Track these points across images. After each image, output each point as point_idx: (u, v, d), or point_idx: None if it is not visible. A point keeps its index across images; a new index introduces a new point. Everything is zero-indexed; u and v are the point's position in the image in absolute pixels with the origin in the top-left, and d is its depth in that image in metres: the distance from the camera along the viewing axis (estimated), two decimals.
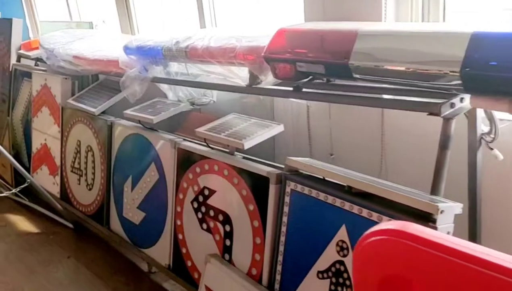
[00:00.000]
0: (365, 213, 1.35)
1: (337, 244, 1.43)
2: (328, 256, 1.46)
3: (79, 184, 2.81)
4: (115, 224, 2.54)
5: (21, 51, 3.67)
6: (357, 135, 1.91)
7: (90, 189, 2.71)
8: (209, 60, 1.97)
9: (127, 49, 2.47)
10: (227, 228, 1.83)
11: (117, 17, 3.53)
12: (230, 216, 1.81)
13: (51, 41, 3.18)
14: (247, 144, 1.75)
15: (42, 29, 4.23)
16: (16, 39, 3.74)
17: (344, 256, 1.42)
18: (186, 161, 2.03)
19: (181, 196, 2.06)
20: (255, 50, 1.78)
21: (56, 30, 3.65)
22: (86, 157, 2.72)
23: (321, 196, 1.49)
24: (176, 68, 2.44)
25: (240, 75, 1.96)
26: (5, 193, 3.27)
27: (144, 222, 2.31)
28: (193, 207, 1.99)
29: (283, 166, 1.72)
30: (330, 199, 1.47)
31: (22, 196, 3.21)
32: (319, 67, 1.54)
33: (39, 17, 4.44)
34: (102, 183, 2.60)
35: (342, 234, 1.42)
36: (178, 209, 2.08)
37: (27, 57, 3.52)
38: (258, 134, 1.80)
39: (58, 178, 3.04)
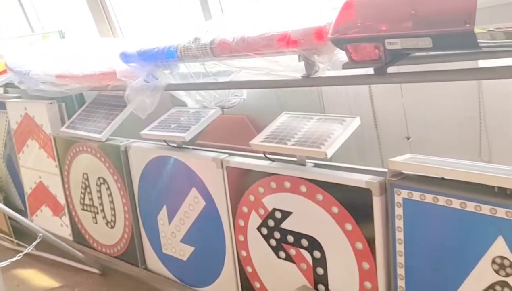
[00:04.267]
0: None
1: (494, 262, 1.13)
2: (481, 278, 1.16)
3: (96, 222, 2.40)
4: (154, 263, 2.17)
5: None
6: (443, 113, 1.60)
7: (112, 227, 2.31)
8: (247, 53, 1.60)
9: (125, 56, 2.05)
10: (316, 254, 1.50)
11: (90, 21, 3.04)
12: (319, 240, 1.48)
13: (21, 62, 2.68)
14: (330, 151, 1.41)
15: (1, 49, 3.66)
16: None
17: (508, 275, 1.12)
18: (241, 181, 1.67)
19: (241, 223, 1.71)
20: (314, 32, 1.42)
21: (19, 47, 3.14)
22: (100, 191, 2.31)
23: (456, 204, 1.18)
24: (183, 69, 2.06)
25: (290, 65, 1.60)
26: (7, 244, 2.83)
27: (194, 257, 1.95)
28: (262, 234, 1.64)
29: (379, 169, 1.39)
30: (470, 206, 1.15)
31: (25, 244, 2.77)
32: (422, 41, 1.20)
33: None
34: (126, 217, 2.21)
35: (499, 248, 1.12)
36: (241, 238, 1.73)
37: None
38: (335, 135, 1.45)
39: (66, 219, 2.61)
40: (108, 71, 2.19)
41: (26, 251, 2.09)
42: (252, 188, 1.63)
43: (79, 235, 2.56)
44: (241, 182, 1.67)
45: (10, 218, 2.79)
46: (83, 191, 2.42)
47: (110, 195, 2.26)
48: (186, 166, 1.86)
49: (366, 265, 1.39)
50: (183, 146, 1.93)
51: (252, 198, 1.64)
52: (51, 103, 2.50)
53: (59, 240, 2.31)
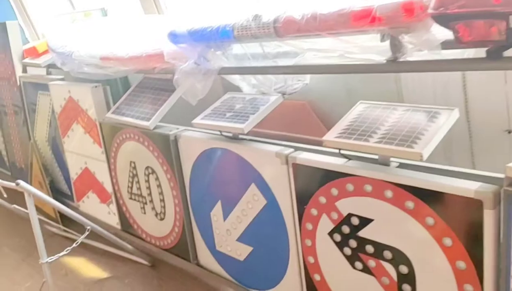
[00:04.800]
0: None
1: None
2: None
3: (144, 213, 2.28)
4: (207, 260, 2.02)
5: (27, 60, 3.04)
6: None
7: (161, 219, 2.18)
8: (318, 33, 1.36)
9: (174, 37, 1.85)
10: (403, 269, 1.29)
11: None
12: (406, 254, 1.27)
13: (63, 43, 2.54)
14: (426, 152, 1.17)
15: (41, 27, 3.56)
16: (16, 46, 3.10)
17: None
18: (310, 180, 1.46)
19: (309, 227, 1.51)
20: (404, 6, 1.17)
21: (60, 26, 3.00)
22: (148, 181, 2.17)
23: None
24: (237, 50, 1.85)
25: (371, 47, 1.36)
26: (54, 229, 2.78)
27: (252, 258, 1.79)
28: (334, 241, 1.44)
29: (487, 174, 1.15)
30: None
31: (72, 231, 2.70)
32: None
33: (33, 14, 3.74)
34: (177, 211, 2.06)
35: None
36: (308, 243, 1.54)
37: (36, 65, 2.89)
38: (431, 132, 1.21)
39: (113, 207, 2.51)
40: (155, 53, 2.01)
41: (74, 245, 1.99)
42: (324, 189, 1.42)
43: (127, 224, 2.45)
44: (310, 181, 1.46)
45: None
46: (130, 179, 2.29)
47: (159, 185, 2.11)
48: (244, 160, 1.67)
49: (469, 288, 1.17)
50: (240, 137, 1.73)
51: (323, 200, 1.43)
52: (96, 87, 2.35)
53: (107, 231, 2.19)
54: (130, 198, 2.34)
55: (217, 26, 1.68)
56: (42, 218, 2.86)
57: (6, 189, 2.23)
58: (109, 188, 2.48)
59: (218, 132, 1.80)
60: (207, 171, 1.86)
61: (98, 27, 2.66)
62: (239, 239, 1.81)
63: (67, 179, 2.90)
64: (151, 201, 2.20)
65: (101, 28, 2.62)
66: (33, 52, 2.97)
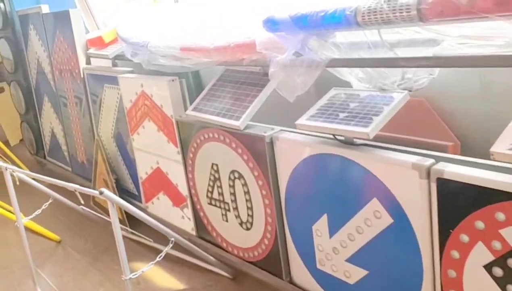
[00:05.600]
0: None
1: None
2: None
3: (226, 220, 2.06)
4: (303, 277, 1.79)
5: (92, 50, 2.87)
6: None
7: (247, 228, 1.96)
8: (485, 16, 1.08)
9: (272, 23, 1.61)
10: None
11: None
12: None
13: (135, 32, 2.35)
14: None
15: (101, 16, 3.39)
16: (80, 36, 2.94)
17: None
18: (462, 199, 1.18)
19: (455, 255, 1.24)
20: None
21: (128, 13, 2.82)
22: (233, 186, 1.95)
23: None
24: (339, 38, 1.60)
25: None
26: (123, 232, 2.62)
27: (366, 282, 1.54)
28: (493, 276, 1.17)
29: None
30: None
31: (142, 235, 2.54)
32: None
33: (92, 2, 3.58)
34: (268, 221, 1.84)
35: None
36: (451, 274, 1.27)
37: (103, 57, 2.72)
38: None
39: (188, 211, 2.31)
40: (245, 42, 1.78)
41: (158, 259, 1.80)
42: (483, 211, 1.15)
43: (204, 231, 2.25)
44: (461, 200, 1.19)
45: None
46: (211, 183, 2.08)
47: (247, 192, 1.89)
48: (365, 170, 1.41)
49: None
50: (358, 142, 1.47)
51: (480, 225, 1.16)
52: (173, 80, 2.15)
53: (190, 242, 2.00)
54: (210, 203, 2.13)
55: (333, 11, 1.42)
56: (104, 217, 2.72)
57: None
58: (184, 190, 2.28)
59: (328, 136, 1.55)
60: (311, 179, 1.61)
61: (171, 14, 2.45)
62: (350, 260, 1.56)
63: (134, 177, 2.73)
64: (235, 208, 1.98)
65: (174, 16, 2.41)
66: (98, 42, 2.80)
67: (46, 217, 2.51)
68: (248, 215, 1.93)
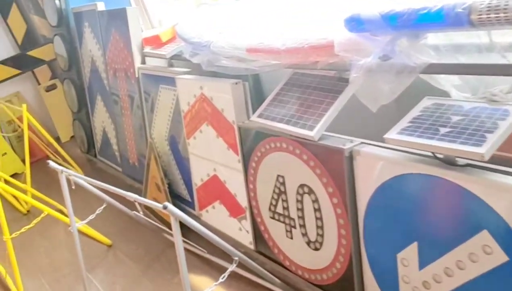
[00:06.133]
0: None
1: None
2: None
3: (291, 237, 1.89)
4: None
5: (148, 50, 2.77)
6: None
7: (316, 249, 1.78)
8: None
9: (356, 22, 1.43)
10: None
11: None
12: None
13: (195, 31, 2.21)
14: None
15: (156, 14, 3.30)
16: (136, 35, 2.85)
17: None
18: None
19: None
20: None
21: (186, 13, 2.70)
22: (301, 201, 1.77)
23: None
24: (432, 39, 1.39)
25: None
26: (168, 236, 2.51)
27: None
28: None
29: None
30: None
31: (196, 245, 2.41)
32: None
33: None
34: (342, 243, 1.65)
35: None
36: None
37: (161, 56, 2.61)
38: None
39: (247, 224, 2.16)
40: (320, 44, 1.60)
41: (221, 280, 1.64)
42: None
43: (264, 246, 2.09)
44: None
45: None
46: (275, 196, 1.91)
47: (318, 209, 1.71)
48: (472, 196, 1.20)
49: None
50: (463, 162, 1.25)
51: None
52: (236, 83, 1.99)
53: (255, 263, 1.84)
54: (272, 218, 1.96)
55: (438, 9, 1.22)
56: (157, 224, 2.62)
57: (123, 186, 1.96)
58: (243, 201, 2.13)
59: (422, 153, 1.34)
60: (399, 201, 1.41)
61: (234, 12, 2.29)
62: None
63: (188, 183, 2.61)
64: (303, 225, 1.81)
65: (237, 14, 2.26)
66: (155, 41, 2.69)
67: (97, 220, 2.43)
68: (318, 234, 1.75)
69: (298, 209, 1.81)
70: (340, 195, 1.59)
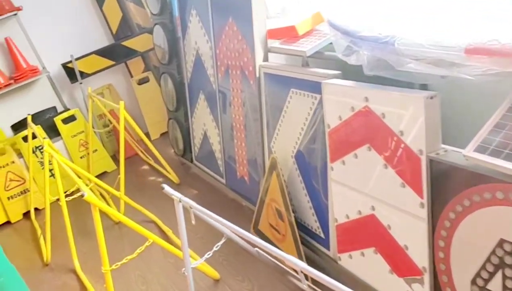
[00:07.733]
0: None
1: None
2: None
3: None
4: None
5: (277, 45, 2.24)
6: None
7: None
8: None
9: None
10: None
11: None
12: None
13: (364, 22, 1.64)
14: None
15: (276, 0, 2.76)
16: (260, 26, 2.33)
17: None
18: None
19: None
20: None
21: None
22: None
23: None
24: None
25: None
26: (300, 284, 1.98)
27: None
28: None
29: None
30: None
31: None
32: None
33: None
34: None
35: None
36: None
37: (295, 53, 2.06)
38: None
39: (422, 290, 1.57)
40: None
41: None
42: None
43: None
44: None
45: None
46: (489, 268, 1.29)
47: None
48: None
49: None
50: None
51: None
52: (431, 98, 1.39)
53: None
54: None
55: None
56: (284, 267, 2.10)
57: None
58: (420, 260, 1.54)
59: None
60: None
61: None
62: None
63: (321, 214, 2.06)
64: None
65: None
66: (287, 33, 2.15)
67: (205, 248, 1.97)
68: None
69: None
70: None
